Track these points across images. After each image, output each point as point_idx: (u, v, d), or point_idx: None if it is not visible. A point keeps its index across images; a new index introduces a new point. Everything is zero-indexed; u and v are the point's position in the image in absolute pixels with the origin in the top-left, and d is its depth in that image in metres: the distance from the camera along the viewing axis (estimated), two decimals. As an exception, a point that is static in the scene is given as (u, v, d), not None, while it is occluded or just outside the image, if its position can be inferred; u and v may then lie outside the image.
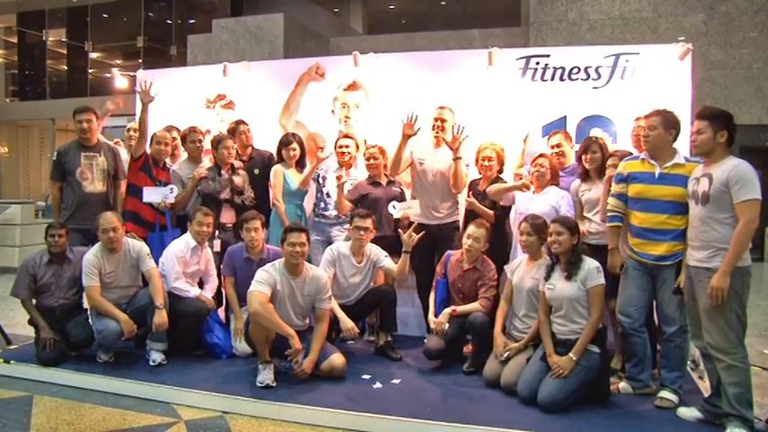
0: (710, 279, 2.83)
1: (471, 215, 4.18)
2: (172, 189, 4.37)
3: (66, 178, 4.37)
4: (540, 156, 4.05)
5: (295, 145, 4.57)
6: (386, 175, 4.48)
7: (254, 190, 4.62)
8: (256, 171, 4.74)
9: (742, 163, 2.82)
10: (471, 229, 3.85)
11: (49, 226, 4.03)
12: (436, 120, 4.31)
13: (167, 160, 4.66)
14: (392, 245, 4.24)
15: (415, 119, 4.20)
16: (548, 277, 3.42)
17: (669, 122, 3.20)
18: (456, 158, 4.15)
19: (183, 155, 4.78)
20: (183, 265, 4.03)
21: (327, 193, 4.58)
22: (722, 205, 2.83)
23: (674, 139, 3.24)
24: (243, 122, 4.84)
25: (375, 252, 4.10)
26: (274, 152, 4.74)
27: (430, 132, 4.35)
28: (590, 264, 3.32)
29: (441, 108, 4.35)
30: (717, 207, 2.85)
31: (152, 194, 4.35)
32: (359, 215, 4.03)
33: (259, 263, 3.91)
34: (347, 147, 4.57)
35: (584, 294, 3.29)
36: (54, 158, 4.51)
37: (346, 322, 3.86)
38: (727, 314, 2.83)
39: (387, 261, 4.09)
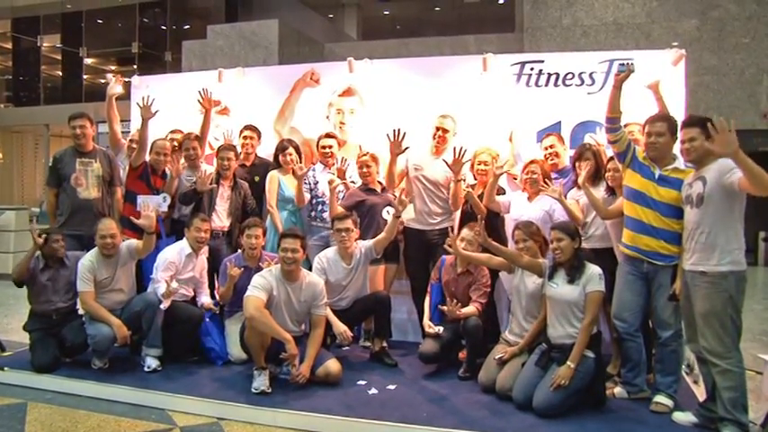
0: (706, 283, 2.85)
1: (466, 219, 4.19)
2: (165, 197, 4.36)
3: (61, 184, 4.36)
4: (532, 162, 4.06)
5: (291, 150, 4.55)
6: (379, 182, 4.47)
7: (254, 197, 4.61)
8: (256, 178, 4.73)
9: (728, 159, 2.81)
10: (464, 232, 3.86)
11: (44, 231, 4.01)
12: (438, 129, 4.27)
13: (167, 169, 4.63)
14: (388, 251, 4.25)
15: (403, 136, 4.10)
16: (551, 276, 3.42)
17: (673, 127, 3.23)
18: (457, 180, 4.12)
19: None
20: (174, 272, 4.01)
21: (322, 199, 4.54)
22: (718, 205, 2.85)
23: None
24: (249, 128, 4.81)
25: (360, 246, 4.06)
26: (270, 157, 4.73)
27: (428, 138, 4.33)
28: (593, 270, 3.32)
29: (443, 117, 4.30)
30: (712, 207, 2.87)
31: (146, 203, 4.33)
32: (337, 217, 4.02)
33: (256, 270, 3.91)
34: (330, 147, 4.57)
35: (584, 299, 3.28)
36: (50, 164, 4.49)
37: (338, 326, 3.84)
38: (722, 318, 2.85)
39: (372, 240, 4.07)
